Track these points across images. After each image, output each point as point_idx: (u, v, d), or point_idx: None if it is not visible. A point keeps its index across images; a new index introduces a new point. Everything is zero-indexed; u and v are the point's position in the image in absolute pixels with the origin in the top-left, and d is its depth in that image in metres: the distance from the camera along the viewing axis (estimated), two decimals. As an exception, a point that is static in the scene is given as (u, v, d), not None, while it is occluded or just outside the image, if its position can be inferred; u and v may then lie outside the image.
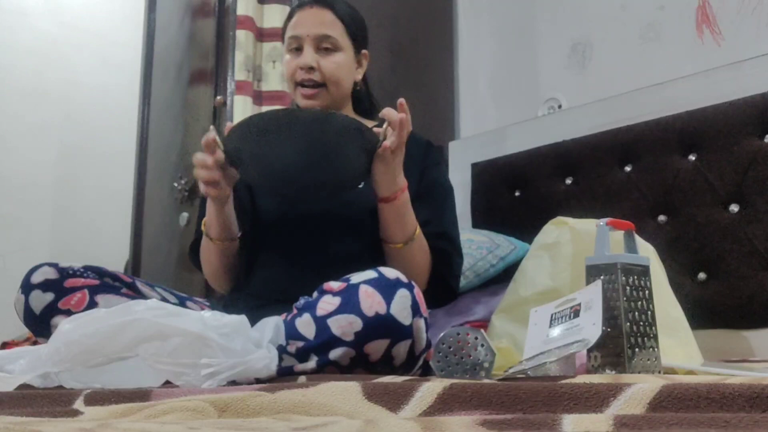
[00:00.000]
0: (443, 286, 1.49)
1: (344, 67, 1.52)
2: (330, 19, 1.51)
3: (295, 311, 1.18)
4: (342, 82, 1.52)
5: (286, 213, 1.50)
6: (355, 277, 1.16)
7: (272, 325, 1.12)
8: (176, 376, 0.96)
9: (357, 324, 1.10)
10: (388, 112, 1.31)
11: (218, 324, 1.02)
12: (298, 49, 1.50)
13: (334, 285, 1.17)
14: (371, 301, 1.11)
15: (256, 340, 1.07)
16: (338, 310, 1.12)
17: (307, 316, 1.14)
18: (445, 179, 1.60)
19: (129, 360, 0.99)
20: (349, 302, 1.11)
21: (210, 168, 1.33)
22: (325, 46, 1.49)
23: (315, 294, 1.19)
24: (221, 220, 1.42)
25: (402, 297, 1.13)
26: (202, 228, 1.48)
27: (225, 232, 1.44)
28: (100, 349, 0.98)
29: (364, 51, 1.58)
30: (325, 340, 1.11)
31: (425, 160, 1.56)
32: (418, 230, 1.41)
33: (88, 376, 1.00)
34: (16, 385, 0.98)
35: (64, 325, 1.02)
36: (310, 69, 1.48)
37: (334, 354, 1.11)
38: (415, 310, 1.14)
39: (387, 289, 1.13)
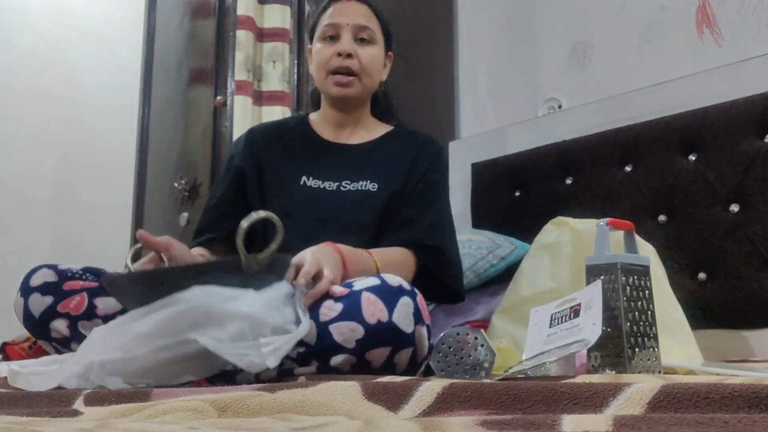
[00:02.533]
0: (438, 286, 1.46)
1: (378, 60, 1.53)
2: (368, 12, 1.53)
3: None
4: (374, 75, 1.53)
5: (292, 212, 1.47)
6: (358, 284, 1.15)
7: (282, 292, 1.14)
8: (239, 359, 0.95)
9: (359, 331, 1.09)
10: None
11: (270, 300, 1.02)
12: (334, 38, 1.50)
13: (337, 289, 1.16)
14: (373, 309, 1.10)
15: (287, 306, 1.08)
16: (340, 317, 1.11)
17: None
18: (443, 187, 1.57)
19: (178, 354, 0.98)
20: (351, 309, 1.10)
21: None
22: (362, 36, 1.51)
23: None
24: None
25: (404, 305, 1.12)
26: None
27: None
28: (153, 338, 0.96)
29: (389, 53, 1.60)
30: (327, 346, 1.10)
31: (431, 164, 1.55)
32: (377, 262, 1.35)
33: (134, 376, 0.99)
34: (54, 385, 0.97)
35: (113, 327, 1.00)
36: (348, 56, 1.48)
37: (335, 360, 1.10)
38: (418, 318, 1.13)
39: (389, 296, 1.12)
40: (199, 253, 1.45)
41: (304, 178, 1.51)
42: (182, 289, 1.00)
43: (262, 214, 1.08)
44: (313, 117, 1.63)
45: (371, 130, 1.60)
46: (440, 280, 1.47)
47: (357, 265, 1.30)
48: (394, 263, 1.39)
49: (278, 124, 1.70)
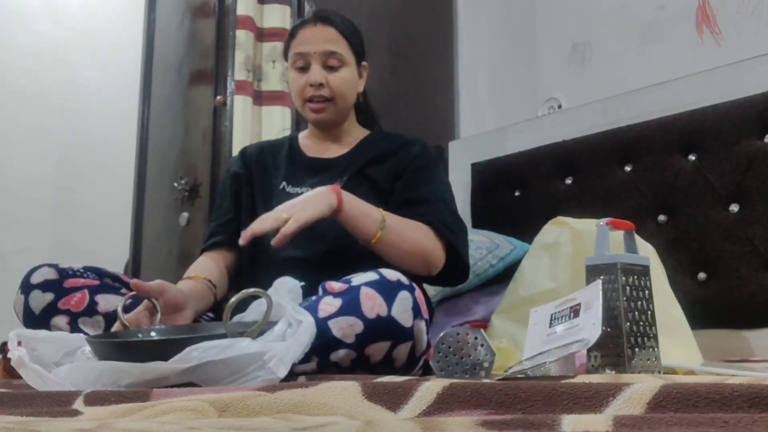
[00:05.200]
0: (450, 259, 1.45)
1: (349, 82, 1.56)
2: (334, 35, 1.55)
3: None
4: (348, 96, 1.57)
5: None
6: (356, 279, 1.16)
7: (285, 289, 1.13)
8: (250, 384, 0.96)
9: (358, 326, 1.10)
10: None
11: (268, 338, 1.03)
12: (305, 67, 1.54)
13: (335, 285, 1.16)
14: (372, 303, 1.11)
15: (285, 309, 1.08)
16: (339, 312, 1.11)
17: None
18: (435, 167, 1.59)
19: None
20: (350, 304, 1.11)
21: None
22: (331, 62, 1.53)
23: (320, 291, 1.19)
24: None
25: (403, 299, 1.13)
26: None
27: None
28: (149, 383, 0.96)
29: (364, 63, 1.63)
30: (326, 341, 1.10)
31: (417, 152, 1.57)
32: (384, 213, 1.38)
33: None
34: (56, 388, 0.96)
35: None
36: (320, 86, 1.52)
37: (335, 356, 1.11)
38: (416, 312, 1.14)
39: (388, 291, 1.13)
40: (190, 287, 1.40)
41: (284, 183, 1.58)
42: (166, 358, 0.99)
43: (250, 291, 1.08)
44: (302, 135, 1.70)
45: (354, 139, 1.64)
46: (456, 252, 1.46)
47: (355, 205, 1.35)
48: (405, 223, 1.40)
49: (269, 142, 1.77)
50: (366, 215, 1.36)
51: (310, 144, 1.65)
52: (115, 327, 1.22)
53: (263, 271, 1.45)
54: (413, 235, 1.40)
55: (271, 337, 1.03)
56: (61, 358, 1.08)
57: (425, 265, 1.42)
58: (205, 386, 0.96)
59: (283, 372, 0.97)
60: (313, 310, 1.13)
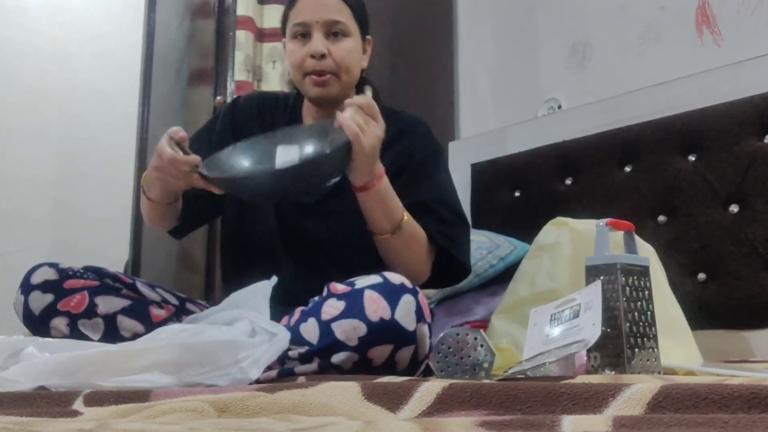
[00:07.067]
0: (450, 260, 1.45)
1: (354, 53, 1.46)
2: (337, 3, 1.44)
3: (297, 315, 1.18)
4: (352, 68, 1.47)
5: (285, 217, 1.49)
6: (360, 282, 1.16)
7: (264, 296, 1.13)
8: (221, 380, 0.95)
9: (361, 329, 1.09)
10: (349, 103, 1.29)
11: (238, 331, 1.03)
12: (305, 36, 1.43)
13: (339, 287, 1.16)
14: (376, 307, 1.10)
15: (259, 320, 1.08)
16: (342, 315, 1.11)
17: (311, 321, 1.13)
18: (438, 159, 1.55)
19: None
20: (354, 307, 1.11)
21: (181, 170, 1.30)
22: (334, 31, 1.43)
23: (324, 291, 1.19)
24: (165, 195, 1.39)
25: (406, 303, 1.13)
26: (142, 183, 1.43)
27: (165, 198, 1.41)
28: (113, 369, 0.95)
29: (368, 37, 1.53)
30: (329, 344, 1.10)
31: (419, 142, 1.53)
32: (407, 217, 1.36)
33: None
34: (15, 389, 0.96)
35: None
36: (322, 57, 1.41)
37: (337, 358, 1.10)
38: (420, 316, 1.14)
39: (392, 294, 1.12)
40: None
41: None
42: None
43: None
44: (305, 107, 1.58)
45: None
46: (448, 255, 1.45)
47: (388, 194, 1.33)
48: (415, 235, 1.39)
49: (266, 102, 1.63)
50: (390, 211, 1.33)
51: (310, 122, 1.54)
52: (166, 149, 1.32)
53: (258, 272, 1.44)
54: (416, 252, 1.39)
55: (240, 332, 1.03)
56: (4, 362, 1.03)
57: (409, 279, 1.39)
58: (173, 376, 0.95)
59: (255, 374, 0.97)
60: (316, 311, 1.13)
